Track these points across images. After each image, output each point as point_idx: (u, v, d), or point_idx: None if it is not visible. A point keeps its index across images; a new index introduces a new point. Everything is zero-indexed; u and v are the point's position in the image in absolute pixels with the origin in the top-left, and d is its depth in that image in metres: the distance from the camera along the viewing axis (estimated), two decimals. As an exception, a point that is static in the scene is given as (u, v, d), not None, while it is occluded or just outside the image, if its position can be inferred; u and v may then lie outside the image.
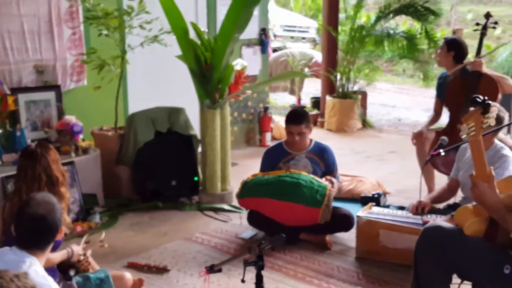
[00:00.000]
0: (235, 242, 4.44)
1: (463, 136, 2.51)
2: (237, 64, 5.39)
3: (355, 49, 7.95)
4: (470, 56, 5.14)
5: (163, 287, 3.74)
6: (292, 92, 9.38)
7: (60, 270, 3.38)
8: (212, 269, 2.62)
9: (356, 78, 8.21)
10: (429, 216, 3.95)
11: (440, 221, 2.74)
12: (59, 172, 3.40)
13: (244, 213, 4.72)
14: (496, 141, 3.90)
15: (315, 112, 8.43)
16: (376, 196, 4.93)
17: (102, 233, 3.97)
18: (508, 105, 5.59)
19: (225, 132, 5.27)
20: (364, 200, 4.91)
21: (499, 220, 2.47)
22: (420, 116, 8.98)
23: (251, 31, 6.72)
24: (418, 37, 8.00)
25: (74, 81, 5.54)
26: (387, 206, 4.61)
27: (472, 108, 2.49)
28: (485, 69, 4.78)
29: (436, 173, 5.04)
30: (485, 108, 2.44)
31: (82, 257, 3.51)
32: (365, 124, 8.32)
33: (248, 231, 4.56)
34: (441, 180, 4.85)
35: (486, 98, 2.47)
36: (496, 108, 3.71)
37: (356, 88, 8.26)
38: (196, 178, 5.39)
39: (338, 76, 8.12)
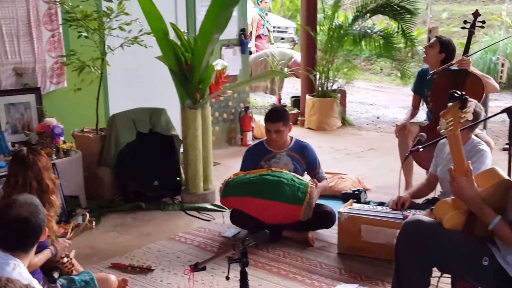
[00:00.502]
0: (218, 240, 4.43)
1: (442, 131, 2.53)
2: (218, 64, 5.39)
3: (333, 48, 7.98)
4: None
5: (147, 286, 3.72)
6: (272, 91, 9.39)
7: (44, 272, 3.34)
8: (196, 267, 2.62)
9: (335, 77, 8.24)
10: (409, 211, 3.99)
11: (420, 215, 2.75)
12: (50, 179, 3.36)
13: (227, 212, 4.71)
14: (473, 136, 3.95)
15: (295, 111, 8.46)
16: (356, 192, 4.96)
17: (86, 215, 3.93)
18: (484, 102, 5.66)
19: (206, 132, 5.26)
20: (345, 197, 4.94)
21: (477, 213, 2.50)
22: (398, 114, 9.05)
23: (230, 31, 6.73)
24: (394, 36, 8.02)
25: (54, 83, 5.49)
26: (368, 202, 4.65)
27: (450, 103, 2.52)
28: (472, 68, 4.82)
29: (415, 169, 5.09)
30: (463, 103, 2.46)
31: (65, 259, 3.48)
32: (345, 122, 8.35)
33: (231, 230, 4.55)
34: (419, 176, 4.91)
35: (464, 93, 2.50)
36: (473, 103, 3.77)
37: (335, 87, 8.29)
38: (178, 178, 5.37)
39: (317, 75, 8.14)
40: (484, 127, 6.03)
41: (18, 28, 5.23)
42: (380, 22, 11.96)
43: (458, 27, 13.60)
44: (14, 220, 2.51)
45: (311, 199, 4.15)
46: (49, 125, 4.94)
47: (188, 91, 5.12)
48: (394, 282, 2.71)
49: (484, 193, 2.51)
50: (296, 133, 7.53)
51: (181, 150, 5.42)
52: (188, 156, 5.20)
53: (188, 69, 5.03)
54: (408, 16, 7.83)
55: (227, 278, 2.66)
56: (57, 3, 5.09)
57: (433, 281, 2.76)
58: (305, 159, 4.53)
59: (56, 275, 3.37)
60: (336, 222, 4.24)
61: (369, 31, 8.03)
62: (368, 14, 7.98)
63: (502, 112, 3.32)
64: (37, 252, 3.24)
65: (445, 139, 3.35)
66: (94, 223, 3.74)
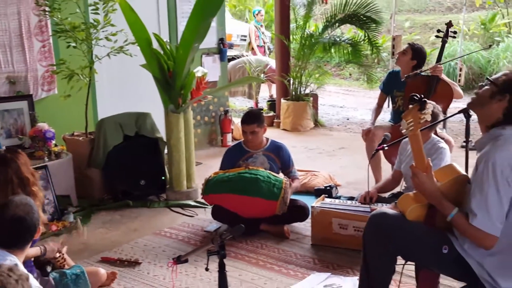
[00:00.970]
0: (200, 235, 4.43)
1: (403, 131, 2.56)
2: (198, 71, 5.38)
3: (305, 55, 8.01)
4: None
5: (135, 278, 3.70)
6: (250, 96, 9.40)
7: (37, 267, 3.32)
8: (179, 260, 2.62)
9: (307, 82, 8.26)
10: (376, 204, 4.03)
11: (385, 208, 2.78)
12: (29, 173, 3.33)
13: (209, 208, 4.71)
14: (432, 135, 4.01)
15: (271, 113, 8.48)
16: (328, 188, 4.97)
17: (80, 225, 3.93)
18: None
19: (188, 134, 5.24)
20: (317, 192, 4.93)
21: (437, 205, 2.52)
22: (366, 115, 9.11)
23: (210, 41, 6.74)
24: (361, 43, 8.08)
25: (45, 91, 5.45)
26: (338, 197, 4.66)
27: (410, 106, 2.55)
28: (443, 75, 4.88)
29: (383, 166, 5.13)
30: (422, 105, 2.49)
31: (58, 254, 3.46)
32: (317, 123, 8.38)
33: (213, 225, 4.55)
34: (387, 173, 4.95)
35: (422, 96, 2.53)
36: (431, 105, 3.82)
37: (307, 91, 8.31)
38: (163, 178, 5.35)
39: (291, 81, 8.17)
40: (444, 127, 6.09)
41: (10, 39, 5.19)
42: (348, 31, 12.04)
43: (420, 35, 13.83)
44: (10, 220, 2.50)
45: (285, 194, 4.17)
46: (41, 129, 4.90)
47: (171, 97, 5.10)
48: (362, 270, 2.72)
49: (443, 187, 2.54)
50: (272, 134, 7.57)
51: (165, 151, 5.41)
52: (172, 157, 5.18)
53: (171, 76, 5.02)
54: (374, 25, 7.90)
55: (207, 269, 2.66)
56: (47, 15, 5.04)
57: (399, 268, 2.79)
58: (280, 158, 4.55)
59: (49, 269, 3.36)
60: (310, 216, 4.27)
61: (338, 39, 8.06)
62: (337, 24, 8.02)
63: (459, 112, 3.37)
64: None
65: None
66: (85, 233, 3.80)
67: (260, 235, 4.31)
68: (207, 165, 6.23)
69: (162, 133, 5.43)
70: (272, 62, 9.13)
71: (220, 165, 4.65)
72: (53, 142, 4.94)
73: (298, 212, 4.35)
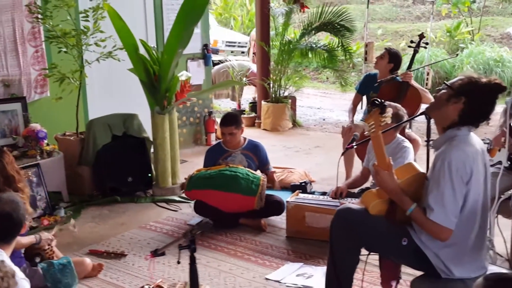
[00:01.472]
0: (184, 228, 4.39)
1: (365, 133, 2.57)
2: (182, 75, 5.35)
3: (284, 60, 7.98)
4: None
5: (120, 269, 3.67)
6: (233, 98, 9.37)
7: (27, 258, 3.29)
8: (156, 253, 2.59)
9: (286, 85, 8.23)
10: (346, 199, 4.04)
11: (350, 204, 2.78)
12: (14, 171, 3.30)
13: (192, 203, 4.69)
14: (398, 135, 4.02)
15: (253, 114, 8.45)
16: (303, 184, 4.96)
17: (72, 221, 3.91)
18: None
19: (173, 134, 5.21)
20: (293, 188, 4.93)
21: (397, 201, 2.53)
22: (341, 116, 9.12)
23: (194, 46, 6.71)
24: (336, 50, 8.09)
25: (38, 93, 5.38)
26: (313, 193, 4.67)
27: (372, 109, 2.55)
28: (413, 81, 4.92)
29: (356, 163, 5.13)
30: (382, 109, 2.50)
31: (47, 246, 3.43)
32: (295, 123, 8.36)
33: (195, 218, 4.52)
34: (358, 170, 4.95)
35: (383, 100, 2.53)
36: (395, 108, 3.84)
37: (286, 93, 8.29)
38: (149, 175, 5.30)
39: (271, 84, 8.16)
40: (410, 127, 6.12)
41: (5, 45, 5.12)
42: (325, 38, 12.05)
43: (391, 41, 13.89)
44: (-2, 216, 2.47)
45: (262, 191, 4.17)
46: (34, 129, 4.85)
47: (157, 99, 5.06)
48: (329, 260, 2.71)
49: (403, 184, 2.54)
50: (254, 133, 7.58)
51: (152, 150, 5.37)
52: (157, 155, 5.15)
53: (156, 79, 4.98)
54: (347, 33, 7.92)
55: (178, 262, 2.62)
56: (40, 22, 4.97)
57: (365, 258, 2.80)
58: (257, 156, 4.55)
59: (37, 260, 3.33)
60: (285, 210, 4.26)
61: (314, 45, 8.06)
62: (313, 31, 8.01)
63: (420, 114, 3.37)
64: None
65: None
66: (76, 230, 3.77)
67: (239, 228, 4.30)
68: (192, 163, 6.19)
69: (148, 133, 5.38)
70: (254, 67, 9.10)
71: (203, 164, 4.63)
72: (45, 141, 4.89)
73: (274, 207, 4.35)
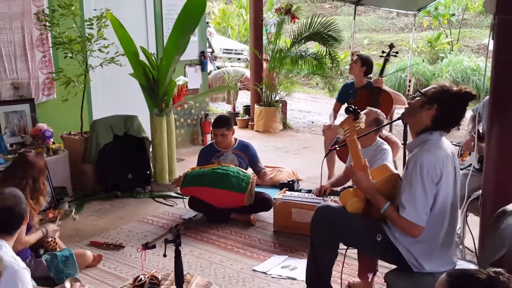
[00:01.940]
0: (179, 222, 4.37)
1: (341, 137, 2.56)
2: (179, 80, 5.34)
3: (276, 67, 7.99)
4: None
5: (118, 260, 3.66)
6: (228, 101, 9.35)
7: (31, 249, 3.28)
8: (147, 246, 2.58)
9: (277, 90, 8.24)
10: (329, 197, 4.02)
11: (330, 202, 2.76)
12: (42, 182, 3.30)
13: (186, 199, 4.67)
14: (378, 138, 4.01)
15: (246, 117, 8.43)
16: (291, 182, 4.94)
17: (73, 209, 3.89)
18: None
19: (171, 134, 5.20)
20: (282, 186, 4.92)
21: (372, 200, 2.53)
22: (329, 119, 9.08)
23: (192, 53, 6.69)
24: (324, 58, 8.08)
25: (45, 95, 5.36)
26: (299, 190, 4.65)
27: (346, 116, 2.54)
28: (384, 86, 4.95)
29: (337, 163, 5.13)
30: (356, 115, 2.49)
31: (50, 238, 3.41)
32: (285, 126, 8.35)
33: (190, 213, 4.51)
34: (340, 170, 4.95)
35: (356, 107, 2.52)
36: (364, 115, 3.83)
37: (278, 98, 8.30)
38: (148, 172, 5.29)
39: (263, 89, 8.15)
40: (390, 130, 6.11)
41: (15, 50, 5.11)
42: (316, 47, 12.03)
43: (376, 51, 13.88)
44: (0, 210, 2.44)
45: (252, 188, 4.16)
46: (41, 129, 4.83)
47: (155, 102, 5.05)
48: (309, 254, 2.71)
49: (378, 184, 2.54)
50: (247, 134, 7.58)
51: (151, 149, 5.36)
52: (156, 154, 5.14)
53: (155, 84, 4.97)
54: (334, 42, 7.91)
55: (165, 255, 2.60)
56: (47, 29, 4.96)
57: (345, 252, 2.80)
58: (248, 156, 4.53)
59: (41, 251, 3.31)
60: (273, 206, 4.26)
61: (304, 54, 8.05)
62: (303, 40, 8.00)
63: (397, 119, 3.36)
64: (28, 233, 3.18)
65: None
66: (77, 217, 3.78)
67: (230, 223, 4.29)
68: (188, 161, 6.16)
69: (147, 133, 5.36)
70: (248, 72, 9.09)
71: (197, 162, 4.61)
72: (52, 140, 4.87)
73: (263, 203, 4.33)
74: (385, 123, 3.92)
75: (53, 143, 4.90)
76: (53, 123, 5.02)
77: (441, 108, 2.46)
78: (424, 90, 2.58)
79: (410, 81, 10.36)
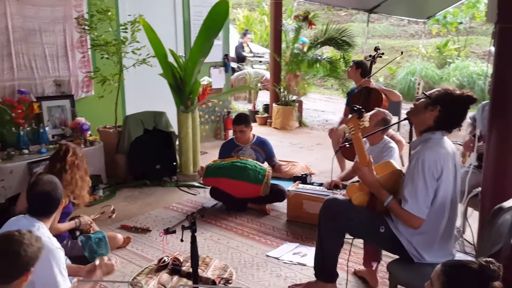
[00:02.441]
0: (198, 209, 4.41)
1: (346, 135, 2.53)
2: (204, 80, 5.36)
3: (293, 70, 7.94)
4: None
5: (145, 242, 3.71)
6: (249, 100, 9.34)
7: (69, 231, 3.34)
8: (167, 231, 2.59)
9: (295, 91, 8.19)
10: (339, 190, 3.99)
11: (338, 195, 2.74)
12: (83, 170, 3.31)
13: (208, 188, 4.69)
14: (385, 136, 3.95)
15: (265, 115, 8.42)
16: (304, 176, 4.86)
17: (111, 206, 3.92)
18: (397, 110, 5.72)
19: (195, 130, 5.23)
20: (295, 179, 4.89)
21: (376, 193, 2.50)
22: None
23: (216, 56, 6.70)
24: (338, 61, 7.99)
25: (84, 92, 5.43)
26: (312, 183, 4.61)
27: (351, 114, 2.51)
28: (373, 85, 4.88)
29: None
30: (360, 114, 2.46)
31: (87, 227, 3.47)
32: (301, 123, 8.30)
33: (211, 202, 4.52)
34: (349, 164, 4.91)
35: (360, 107, 2.49)
36: (368, 114, 3.77)
37: (294, 98, 8.26)
38: (174, 163, 5.33)
39: (281, 89, 8.12)
40: (398, 129, 6.02)
41: (57, 51, 5.17)
42: (331, 51, 11.93)
43: (388, 55, 13.62)
44: (39, 194, 2.49)
45: (268, 180, 4.15)
46: (79, 122, 4.90)
47: (182, 100, 5.08)
48: (317, 242, 2.70)
49: (381, 179, 2.51)
50: (265, 131, 7.55)
51: (177, 142, 5.39)
52: (181, 147, 5.17)
53: (182, 83, 5.00)
54: (348, 48, 7.82)
55: (182, 240, 2.61)
56: (86, 32, 5.03)
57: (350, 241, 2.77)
58: (265, 151, 4.53)
59: (77, 233, 3.37)
60: (286, 198, 4.24)
61: (319, 57, 7.98)
62: (319, 45, 7.93)
63: (404, 119, 3.30)
64: (63, 219, 3.23)
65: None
66: (114, 215, 3.79)
67: (247, 212, 4.31)
68: (211, 154, 6.18)
69: (174, 128, 5.41)
70: (268, 74, 9.07)
71: (218, 155, 4.62)
72: (89, 132, 4.94)
73: (278, 194, 4.33)
74: (392, 122, 3.86)
75: (90, 135, 4.97)
76: (90, 117, 5.09)
77: (443, 109, 2.42)
78: (428, 92, 2.54)
79: (419, 84, 10.15)
